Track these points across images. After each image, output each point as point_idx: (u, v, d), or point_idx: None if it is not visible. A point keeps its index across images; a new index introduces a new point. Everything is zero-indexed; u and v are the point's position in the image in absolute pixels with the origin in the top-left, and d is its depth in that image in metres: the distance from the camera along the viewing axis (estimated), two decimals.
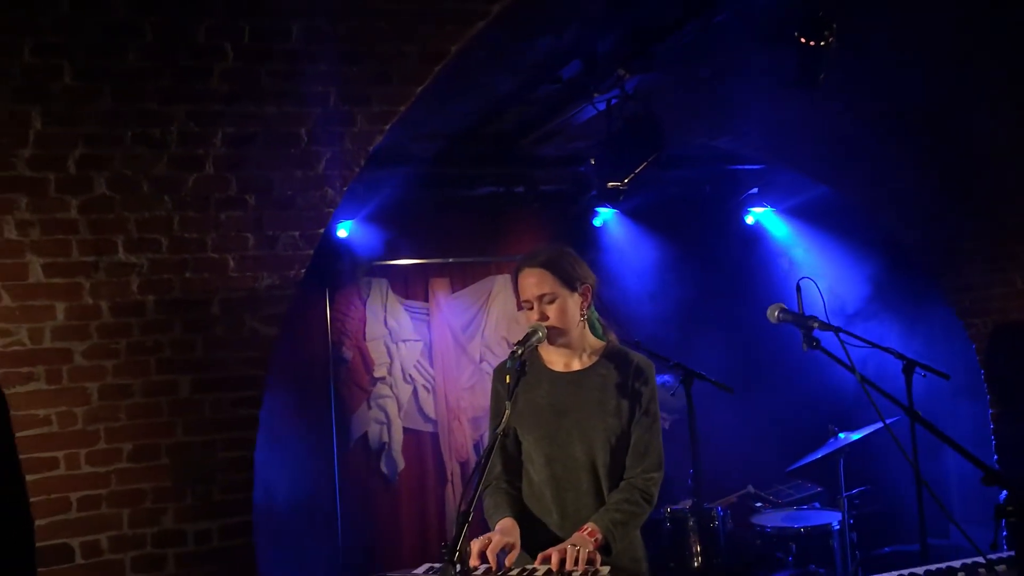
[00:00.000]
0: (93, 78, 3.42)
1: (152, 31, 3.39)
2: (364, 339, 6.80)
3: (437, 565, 2.72)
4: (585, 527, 2.73)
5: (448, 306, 7.00)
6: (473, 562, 2.59)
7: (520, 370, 2.72)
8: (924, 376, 4.67)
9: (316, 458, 6.50)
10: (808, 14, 3.93)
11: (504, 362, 2.96)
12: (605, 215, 7.12)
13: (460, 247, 6.98)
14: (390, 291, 6.89)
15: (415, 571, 2.74)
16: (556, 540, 2.75)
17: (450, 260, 6.98)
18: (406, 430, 6.86)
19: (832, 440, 5.47)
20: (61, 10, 3.23)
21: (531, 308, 2.88)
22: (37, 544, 3.74)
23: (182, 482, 3.94)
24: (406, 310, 6.92)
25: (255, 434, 4.03)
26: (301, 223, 3.94)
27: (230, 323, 3.92)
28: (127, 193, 3.68)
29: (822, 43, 3.92)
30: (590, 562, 2.58)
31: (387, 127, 3.83)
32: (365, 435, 6.76)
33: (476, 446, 7.01)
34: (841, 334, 2.97)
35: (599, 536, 2.71)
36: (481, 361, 7.06)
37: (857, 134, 5.54)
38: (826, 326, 2.96)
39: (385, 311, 6.85)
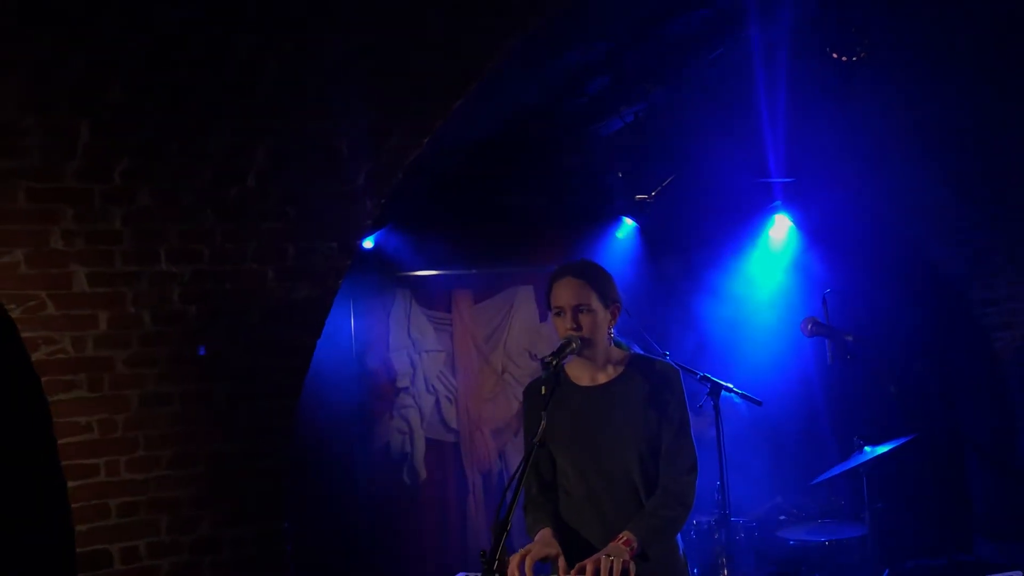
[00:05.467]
0: (141, 92, 3.47)
1: (199, 47, 3.44)
2: (388, 349, 6.83)
3: (472, 574, 2.75)
4: (620, 536, 2.74)
5: (471, 317, 7.02)
6: (512, 573, 2.62)
7: (556, 380, 2.75)
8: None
9: (338, 467, 6.52)
10: (840, 29, 3.97)
11: (532, 383, 3.02)
12: (627, 228, 7.14)
13: (483, 258, 6.99)
14: (413, 301, 6.91)
15: None
16: None
17: (473, 271, 7.00)
18: (428, 440, 6.88)
19: (857, 453, 5.47)
20: (112, 25, 3.28)
21: (560, 315, 2.90)
22: (77, 549, 3.79)
23: (218, 490, 3.98)
24: (429, 321, 6.95)
25: (291, 442, 4.07)
26: (339, 235, 3.99)
27: (269, 332, 3.97)
28: (170, 205, 3.75)
29: (854, 58, 3.96)
30: (625, 572, 2.59)
31: (424, 140, 3.87)
32: (387, 444, 6.78)
33: (500, 456, 7.03)
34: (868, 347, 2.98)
35: (634, 544, 2.72)
36: (503, 372, 7.08)
37: (887, 146, 5.56)
38: (861, 340, 2.98)
39: (408, 321, 6.88)
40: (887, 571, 5.53)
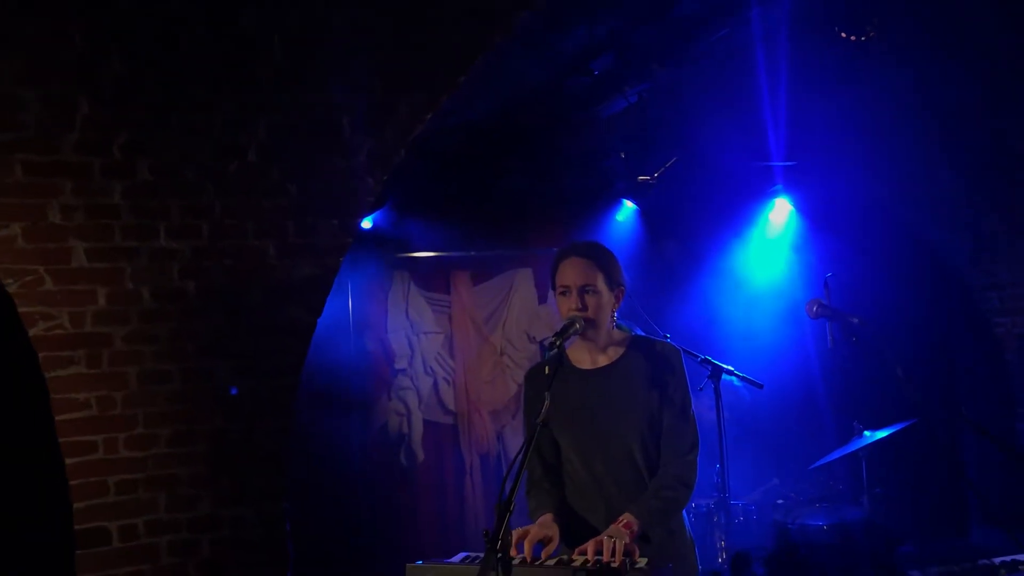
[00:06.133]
0: (142, 65, 3.42)
1: (202, 19, 3.40)
2: (386, 331, 6.80)
3: (473, 554, 2.74)
4: (621, 519, 2.73)
5: (469, 299, 7.00)
6: (511, 552, 2.60)
7: (559, 361, 2.73)
8: None
9: (335, 448, 6.50)
10: (849, 9, 3.93)
11: (534, 367, 3.01)
12: (628, 210, 7.11)
13: (482, 240, 6.96)
14: (412, 283, 6.88)
15: (451, 559, 2.75)
16: None
17: (472, 253, 6.96)
18: (426, 422, 6.86)
19: (856, 438, 5.47)
20: None
21: (566, 295, 2.87)
22: (75, 527, 3.76)
23: (218, 468, 3.96)
24: (428, 302, 6.92)
25: (292, 421, 4.05)
26: (341, 211, 3.95)
27: (269, 310, 3.93)
28: (171, 179, 3.70)
29: (863, 38, 3.93)
30: (627, 553, 2.57)
31: (428, 117, 3.83)
32: (385, 426, 6.77)
33: (498, 438, 7.02)
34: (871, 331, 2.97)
35: (635, 527, 2.71)
36: (502, 354, 7.07)
37: (890, 130, 5.53)
38: (867, 323, 2.96)
39: (407, 303, 6.86)
40: (883, 553, 5.54)
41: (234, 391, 3.85)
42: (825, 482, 6.05)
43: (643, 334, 3.08)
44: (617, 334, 2.98)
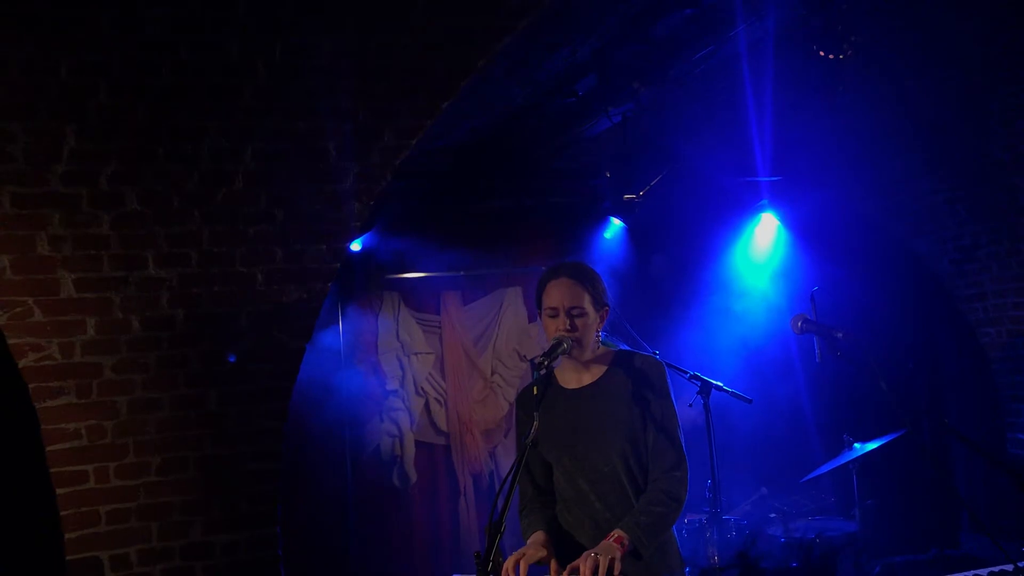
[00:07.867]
0: (127, 95, 3.45)
1: (186, 49, 3.43)
2: (376, 352, 6.81)
3: None
4: (611, 534, 2.75)
5: (459, 319, 7.01)
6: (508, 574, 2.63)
7: (548, 381, 2.75)
8: None
9: (328, 471, 6.50)
10: (827, 27, 3.98)
11: (525, 388, 3.03)
12: (615, 227, 7.15)
13: (471, 260, 6.99)
14: (402, 304, 6.89)
15: None
16: None
17: (461, 273, 6.98)
18: (418, 443, 6.86)
19: (847, 451, 5.49)
20: (98, 29, 3.26)
21: (554, 316, 2.90)
22: (67, 557, 3.76)
23: (210, 495, 3.96)
24: (418, 323, 6.93)
25: (281, 446, 4.05)
26: (328, 237, 3.98)
27: (258, 336, 3.94)
28: (158, 208, 3.72)
29: (841, 56, 3.97)
30: (610, 572, 2.59)
31: (413, 141, 3.87)
32: (378, 447, 6.76)
33: (490, 457, 7.02)
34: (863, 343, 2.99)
35: (625, 542, 2.73)
36: (493, 374, 7.07)
37: (874, 144, 5.59)
38: (851, 337, 2.99)
39: (397, 324, 6.86)
40: (877, 567, 5.55)
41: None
42: (815, 495, 6.07)
43: (627, 349, 3.10)
44: (601, 351, 3.00)
